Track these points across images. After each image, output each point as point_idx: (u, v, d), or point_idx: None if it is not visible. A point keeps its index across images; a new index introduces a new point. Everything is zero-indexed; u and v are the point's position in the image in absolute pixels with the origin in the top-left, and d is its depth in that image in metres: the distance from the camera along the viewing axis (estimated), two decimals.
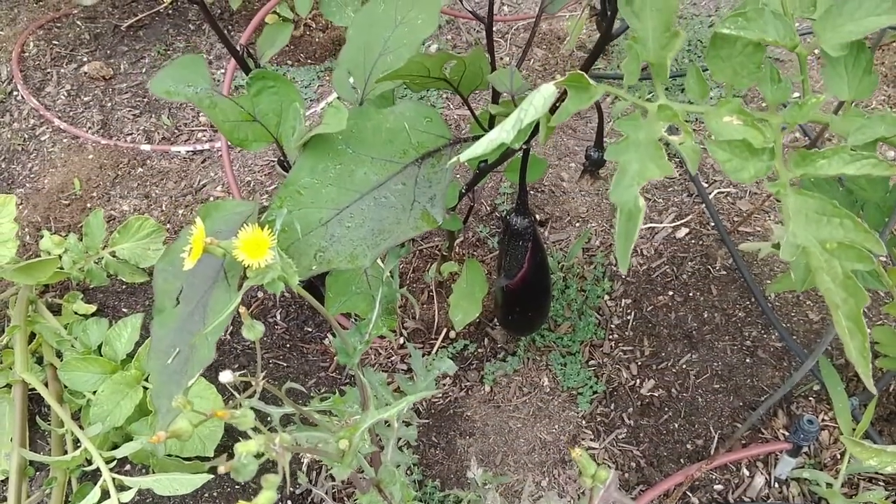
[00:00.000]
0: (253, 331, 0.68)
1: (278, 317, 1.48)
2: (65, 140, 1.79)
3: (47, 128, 1.82)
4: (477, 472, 0.99)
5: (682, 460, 1.27)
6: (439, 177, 0.85)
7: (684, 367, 1.37)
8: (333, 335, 1.48)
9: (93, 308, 1.43)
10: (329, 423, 0.80)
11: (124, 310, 1.47)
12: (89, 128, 1.81)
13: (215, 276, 0.84)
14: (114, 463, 1.06)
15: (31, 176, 1.73)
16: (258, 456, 0.62)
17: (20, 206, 1.66)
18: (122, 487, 1.01)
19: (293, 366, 1.42)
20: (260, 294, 1.51)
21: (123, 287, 1.50)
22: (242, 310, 0.66)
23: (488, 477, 1.00)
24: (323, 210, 0.83)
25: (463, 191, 1.21)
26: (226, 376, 0.66)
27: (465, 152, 0.67)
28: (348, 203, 0.84)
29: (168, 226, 1.62)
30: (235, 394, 0.69)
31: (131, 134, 1.81)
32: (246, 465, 0.61)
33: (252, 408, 0.81)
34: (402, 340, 1.49)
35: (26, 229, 1.62)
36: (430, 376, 1.06)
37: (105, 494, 1.00)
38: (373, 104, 1.00)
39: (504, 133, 0.68)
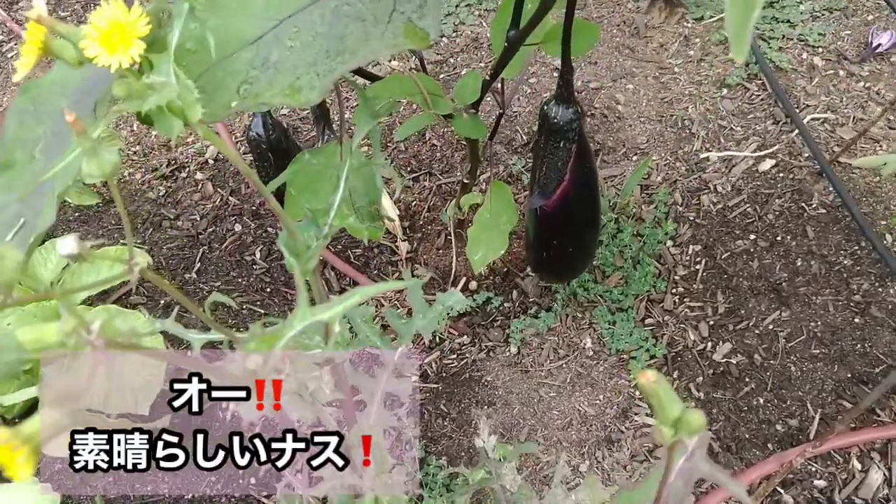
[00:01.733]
0: (95, 160, 0.39)
1: (258, 255, 1.20)
2: None
3: (16, 44, 1.58)
4: (488, 440, 0.69)
5: (769, 445, 0.95)
6: None
7: (771, 327, 1.05)
8: (325, 280, 1.19)
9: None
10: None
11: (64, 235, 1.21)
12: None
13: (89, 118, 0.56)
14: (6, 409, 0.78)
15: None
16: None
17: None
18: None
19: (273, 314, 1.14)
20: (216, 202, 1.23)
21: (76, 214, 1.24)
22: (69, 118, 0.36)
23: (505, 450, 0.71)
24: (253, 22, 0.54)
25: (487, 78, 0.91)
26: (66, 245, 0.37)
27: None
28: (292, 12, 0.55)
29: (136, 145, 1.36)
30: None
31: None
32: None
33: (164, 332, 0.53)
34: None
35: None
36: (433, 313, 0.77)
37: None
38: None
39: None
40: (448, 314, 1.20)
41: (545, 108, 0.86)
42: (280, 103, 0.53)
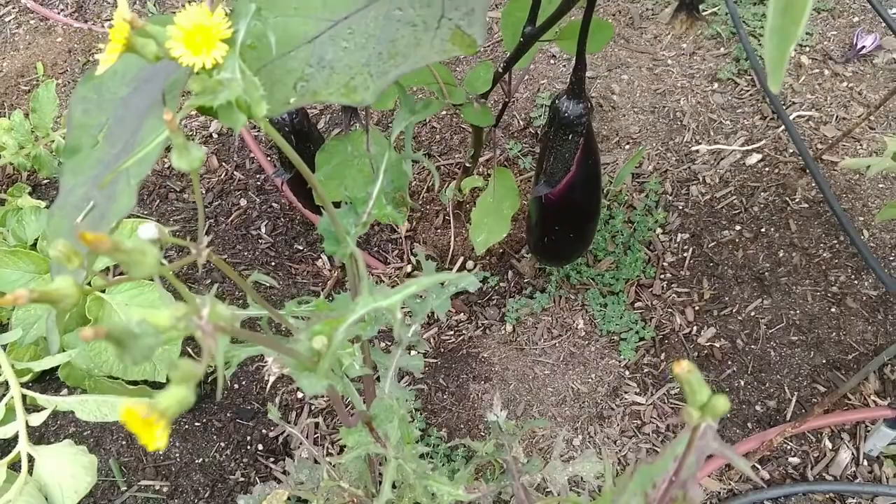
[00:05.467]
0: (186, 154, 0.43)
1: (263, 229, 1.24)
2: (31, 21, 1.54)
3: (13, 7, 1.57)
4: (500, 415, 0.74)
5: (749, 424, 1.02)
6: None
7: (753, 314, 1.11)
8: (329, 256, 1.23)
9: (42, 204, 1.18)
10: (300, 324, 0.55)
11: None
12: (62, 10, 1.56)
13: (153, 106, 0.59)
14: (34, 381, 0.82)
15: None
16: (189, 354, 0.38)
17: None
18: (35, 408, 0.77)
19: (278, 288, 1.18)
20: (229, 173, 1.26)
21: None
22: (167, 117, 0.40)
23: (510, 425, 0.76)
24: (310, 21, 0.58)
25: (500, 69, 0.96)
26: (147, 230, 0.42)
27: None
28: (347, 13, 0.59)
29: None
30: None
31: (110, 20, 1.55)
32: (136, 338, 0.37)
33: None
34: (409, 268, 1.25)
35: None
36: (445, 294, 0.82)
37: (12, 413, 0.76)
38: None
39: None
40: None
41: (556, 102, 0.90)
42: (336, 101, 0.57)
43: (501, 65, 0.95)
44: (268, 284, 1.13)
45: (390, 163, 0.68)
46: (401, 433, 0.69)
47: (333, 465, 0.84)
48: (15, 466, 0.74)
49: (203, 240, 0.44)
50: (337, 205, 0.63)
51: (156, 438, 0.33)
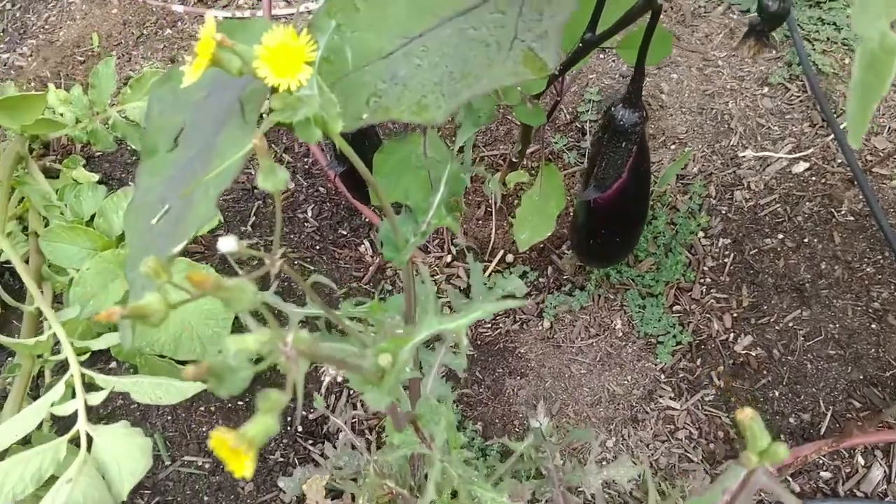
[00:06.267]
0: (272, 177, 0.44)
1: (309, 213, 1.26)
2: None
3: None
4: (543, 420, 0.76)
5: (782, 436, 1.03)
6: (556, 4, 0.60)
7: (791, 325, 1.12)
8: (371, 242, 1.25)
9: (95, 177, 1.21)
10: (364, 336, 0.57)
11: (131, 183, 1.25)
12: None
13: (229, 112, 0.61)
14: (87, 356, 0.84)
15: (46, 27, 1.51)
16: (257, 361, 0.40)
17: (29, 58, 1.44)
18: (93, 387, 0.80)
19: (321, 272, 1.20)
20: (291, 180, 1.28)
21: (133, 157, 1.28)
22: (258, 142, 0.42)
23: (551, 432, 0.77)
24: (385, 37, 0.59)
25: (557, 72, 0.96)
26: (227, 243, 0.43)
27: None
28: (422, 31, 0.59)
29: None
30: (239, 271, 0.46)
31: None
32: (233, 371, 0.39)
33: (264, 303, 0.58)
34: (448, 258, 1.26)
35: (32, 84, 1.40)
36: (492, 297, 0.83)
37: (72, 392, 0.79)
38: None
39: None
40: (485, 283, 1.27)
41: (612, 109, 0.90)
42: (407, 119, 0.58)
43: (557, 67, 0.95)
44: (327, 286, 1.15)
45: (451, 175, 0.69)
46: (447, 437, 0.71)
47: (375, 459, 0.87)
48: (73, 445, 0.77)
49: (277, 252, 0.46)
50: (394, 207, 0.64)
51: (244, 467, 0.35)
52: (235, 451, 0.35)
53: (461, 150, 0.74)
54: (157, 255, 0.55)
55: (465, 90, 0.59)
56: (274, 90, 0.44)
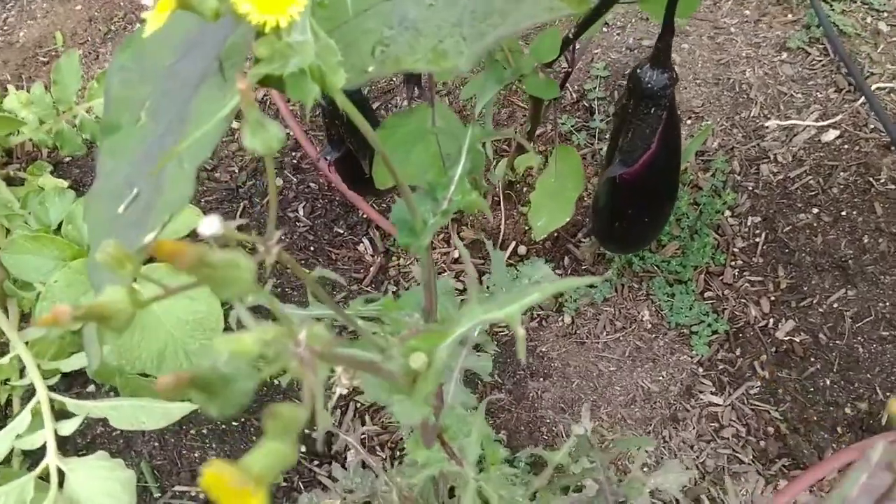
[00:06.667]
0: (262, 132, 0.33)
1: (301, 211, 1.15)
2: None
3: None
4: (588, 425, 0.66)
5: (838, 429, 0.93)
6: None
7: (836, 306, 1.02)
8: (371, 240, 1.14)
9: (64, 184, 1.10)
10: (378, 337, 0.46)
11: None
12: None
13: (204, 76, 0.50)
14: (58, 379, 0.73)
15: (5, 28, 1.40)
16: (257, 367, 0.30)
17: None
18: (66, 414, 0.69)
19: (343, 284, 1.09)
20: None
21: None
22: (243, 87, 0.31)
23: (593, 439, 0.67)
24: None
25: (571, 35, 0.86)
26: (210, 225, 0.31)
27: None
28: None
29: None
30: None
31: None
32: (227, 382, 0.28)
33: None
34: (456, 253, 1.16)
35: None
36: (516, 287, 0.73)
37: (41, 421, 0.68)
38: None
39: None
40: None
41: (638, 71, 0.80)
42: (423, 69, 0.48)
43: (572, 30, 0.85)
44: (332, 280, 1.05)
45: (472, 141, 0.59)
46: (484, 451, 0.60)
47: (389, 479, 0.76)
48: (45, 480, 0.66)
49: (273, 236, 0.35)
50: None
51: None
52: (239, 493, 0.25)
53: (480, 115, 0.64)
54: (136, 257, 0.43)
55: (490, 31, 0.48)
56: (259, 34, 0.33)
